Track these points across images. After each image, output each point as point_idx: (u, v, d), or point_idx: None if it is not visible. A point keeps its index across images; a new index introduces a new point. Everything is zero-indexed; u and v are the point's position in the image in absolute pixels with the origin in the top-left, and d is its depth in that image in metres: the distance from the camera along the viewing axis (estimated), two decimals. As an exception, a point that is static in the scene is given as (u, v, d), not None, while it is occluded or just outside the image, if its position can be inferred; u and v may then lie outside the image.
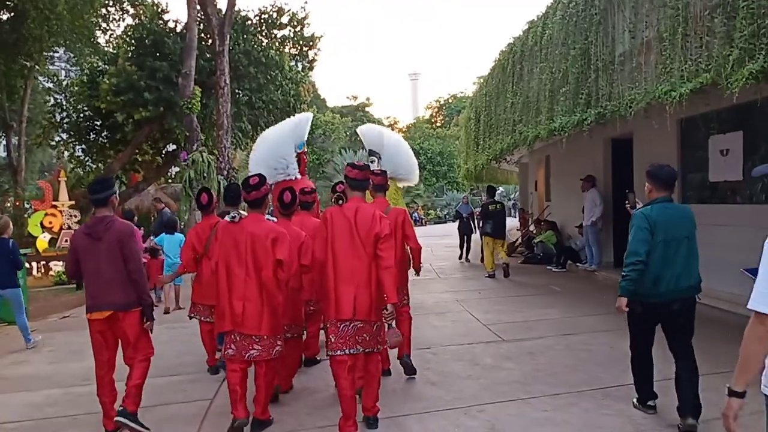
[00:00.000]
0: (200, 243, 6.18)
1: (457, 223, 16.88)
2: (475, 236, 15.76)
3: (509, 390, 5.37)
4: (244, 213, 4.85)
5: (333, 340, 4.43)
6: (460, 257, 15.95)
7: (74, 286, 13.36)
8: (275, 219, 5.30)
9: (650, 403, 4.69)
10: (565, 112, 8.71)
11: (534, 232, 16.69)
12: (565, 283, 11.14)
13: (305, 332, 6.04)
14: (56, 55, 26.17)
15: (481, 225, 13.25)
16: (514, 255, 16.23)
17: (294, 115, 18.81)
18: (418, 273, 6.31)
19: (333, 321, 4.44)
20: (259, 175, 4.86)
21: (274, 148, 7.40)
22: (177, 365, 6.65)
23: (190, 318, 6.48)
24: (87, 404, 5.22)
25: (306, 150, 7.93)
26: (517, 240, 17.49)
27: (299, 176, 7.38)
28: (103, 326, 4.65)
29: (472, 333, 7.57)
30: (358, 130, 8.43)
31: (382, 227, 4.47)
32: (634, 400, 4.80)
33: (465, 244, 15.90)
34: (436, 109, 70.57)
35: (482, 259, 13.12)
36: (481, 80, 16.15)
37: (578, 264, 12.87)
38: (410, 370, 5.87)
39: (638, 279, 4.35)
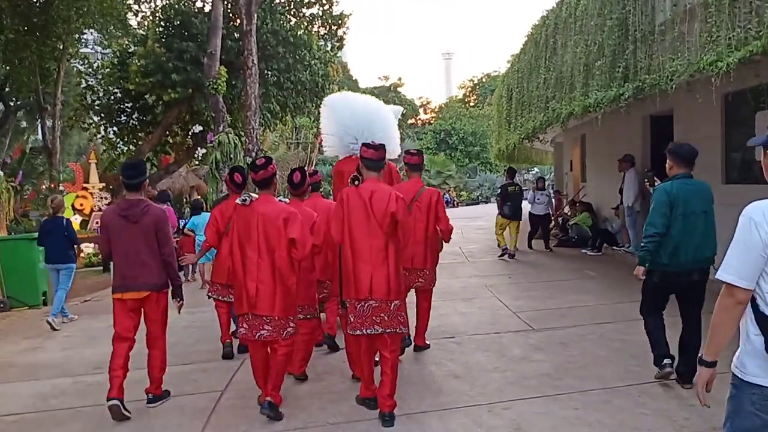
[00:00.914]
0: (223, 221, 6.13)
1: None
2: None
3: (537, 385, 5.03)
4: (255, 195, 4.75)
5: (353, 320, 4.45)
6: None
7: (101, 268, 13.40)
8: (287, 200, 5.14)
9: (666, 361, 4.71)
10: (600, 87, 8.19)
11: (569, 213, 16.15)
12: (601, 268, 10.65)
13: (324, 314, 6.00)
14: (90, 37, 26.29)
15: (499, 206, 12.77)
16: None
17: (324, 96, 18.53)
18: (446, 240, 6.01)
19: (352, 301, 4.47)
20: (266, 157, 4.83)
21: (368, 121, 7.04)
22: (191, 353, 6.47)
23: (209, 297, 6.42)
24: (95, 394, 5.08)
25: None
26: (551, 222, 16.88)
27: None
28: (136, 305, 4.84)
29: (500, 321, 7.23)
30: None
31: (398, 207, 4.40)
32: (656, 374, 4.85)
33: None
34: (469, 89, 69.58)
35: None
36: (513, 57, 15.56)
37: (615, 247, 12.37)
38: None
39: (655, 250, 4.66)
